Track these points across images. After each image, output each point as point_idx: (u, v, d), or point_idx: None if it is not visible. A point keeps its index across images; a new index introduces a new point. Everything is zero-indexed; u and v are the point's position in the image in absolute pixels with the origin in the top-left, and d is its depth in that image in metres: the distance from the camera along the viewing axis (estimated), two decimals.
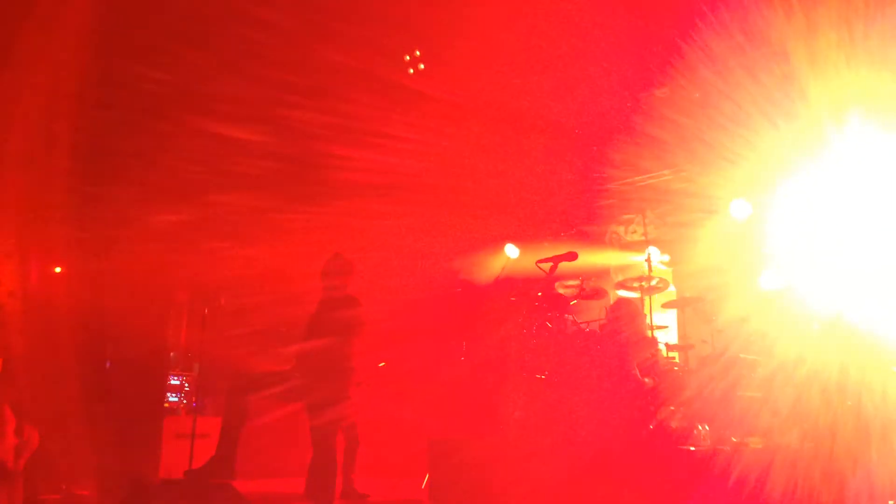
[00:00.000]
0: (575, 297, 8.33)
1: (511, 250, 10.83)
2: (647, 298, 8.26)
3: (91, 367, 9.18)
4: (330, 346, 5.97)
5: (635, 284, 8.36)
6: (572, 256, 4.68)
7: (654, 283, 8.21)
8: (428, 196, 10.42)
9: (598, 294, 8.44)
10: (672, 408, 7.67)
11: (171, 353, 10.15)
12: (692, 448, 6.75)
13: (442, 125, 9.51)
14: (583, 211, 11.02)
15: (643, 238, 10.26)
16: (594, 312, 8.43)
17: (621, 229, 10.65)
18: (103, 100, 8.48)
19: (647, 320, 7.96)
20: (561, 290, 8.39)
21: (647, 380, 5.92)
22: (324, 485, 6.02)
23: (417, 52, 8.74)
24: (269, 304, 10.20)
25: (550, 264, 4.68)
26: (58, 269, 9.01)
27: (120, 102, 8.66)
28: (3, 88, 8.00)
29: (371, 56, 8.50)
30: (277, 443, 9.83)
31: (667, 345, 8.09)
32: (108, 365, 9.44)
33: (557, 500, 6.48)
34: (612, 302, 8.57)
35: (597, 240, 10.46)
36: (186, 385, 9.74)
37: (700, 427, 7.16)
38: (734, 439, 6.97)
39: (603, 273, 10.05)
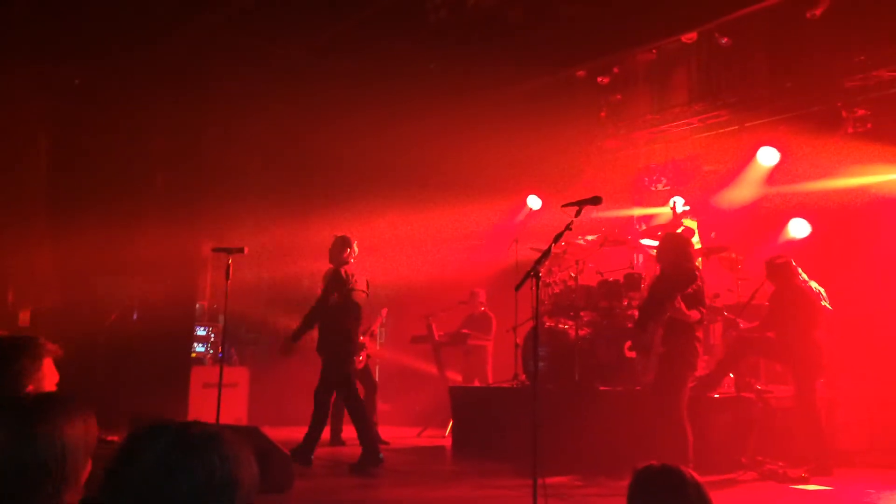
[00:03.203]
0: (598, 247, 8.28)
1: (533, 201, 10.79)
2: None
3: (119, 318, 9.33)
4: None
5: (659, 234, 8.26)
6: (597, 200, 4.62)
7: (678, 231, 8.11)
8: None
9: (620, 243, 8.37)
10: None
11: (197, 304, 10.27)
12: (716, 395, 6.75)
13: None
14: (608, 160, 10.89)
15: (668, 188, 10.14)
16: (617, 261, 8.39)
17: (646, 179, 10.52)
18: None
19: None
20: (583, 241, 8.35)
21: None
22: None
23: None
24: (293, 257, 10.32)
25: (576, 208, 4.63)
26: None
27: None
28: None
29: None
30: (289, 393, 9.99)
31: None
32: (135, 316, 9.59)
33: (578, 447, 6.53)
34: (635, 252, 8.51)
35: (622, 189, 10.35)
36: (212, 335, 9.87)
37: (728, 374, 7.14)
38: (759, 387, 6.96)
39: (626, 222, 9.98)
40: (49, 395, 1.83)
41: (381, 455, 6.66)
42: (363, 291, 7.00)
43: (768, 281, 6.83)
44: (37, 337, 2.42)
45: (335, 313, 6.91)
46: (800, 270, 6.68)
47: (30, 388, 2.24)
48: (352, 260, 7.02)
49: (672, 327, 5.76)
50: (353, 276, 6.92)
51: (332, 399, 7.17)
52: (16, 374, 2.26)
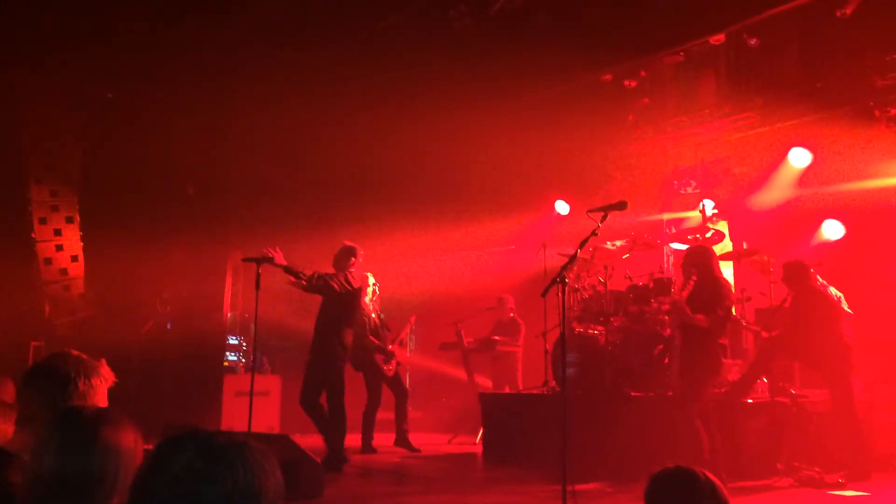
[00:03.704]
0: (627, 251, 8.23)
1: (561, 206, 10.74)
2: None
3: (153, 329, 9.47)
4: None
5: (689, 237, 8.19)
6: (622, 206, 4.61)
7: (708, 235, 8.04)
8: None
9: (649, 247, 8.31)
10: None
11: (229, 314, 10.39)
12: (750, 400, 6.67)
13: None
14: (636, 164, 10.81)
15: (697, 191, 10.04)
16: (646, 265, 8.32)
17: (675, 182, 10.42)
18: None
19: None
20: (612, 246, 8.30)
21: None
22: None
23: None
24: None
25: (602, 214, 4.62)
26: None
27: None
28: None
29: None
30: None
31: None
32: (168, 326, 9.72)
33: (608, 453, 6.48)
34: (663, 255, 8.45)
35: (650, 193, 10.27)
36: (244, 344, 9.98)
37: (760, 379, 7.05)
38: (793, 391, 6.86)
39: (656, 226, 9.91)
40: (107, 409, 1.91)
41: (347, 459, 7.03)
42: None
43: (785, 285, 6.77)
44: (100, 361, 2.48)
45: (330, 316, 7.17)
46: (817, 276, 6.62)
47: None
48: (353, 269, 7.30)
49: (689, 333, 5.76)
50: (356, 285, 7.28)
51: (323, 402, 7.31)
52: (86, 391, 2.31)
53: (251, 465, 1.38)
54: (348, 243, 7.38)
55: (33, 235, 8.91)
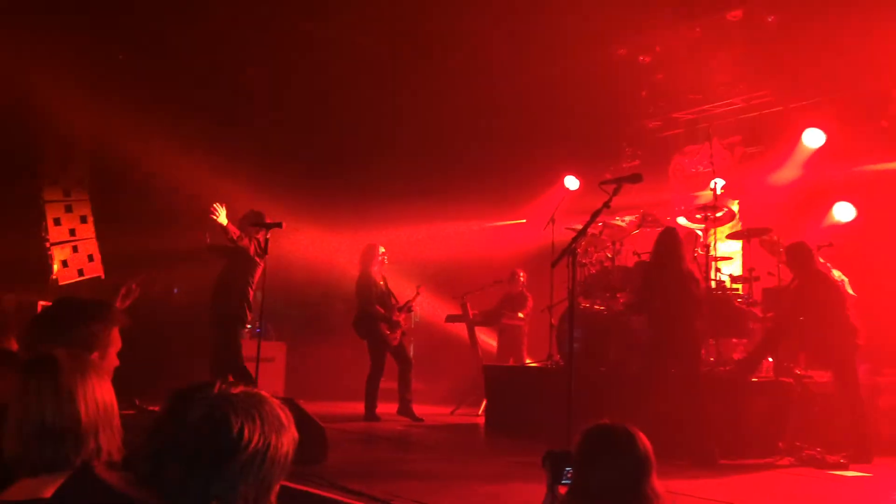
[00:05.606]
0: (636, 228, 8.19)
1: (571, 182, 10.67)
2: (712, 230, 8.06)
3: (160, 293, 9.49)
4: None
5: (699, 216, 8.13)
6: (637, 178, 4.56)
7: (719, 213, 7.97)
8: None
9: (659, 224, 8.26)
10: (735, 340, 7.58)
11: None
12: (754, 379, 6.66)
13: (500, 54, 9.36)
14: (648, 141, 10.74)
15: (709, 169, 9.96)
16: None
17: (687, 160, 10.35)
18: None
19: (712, 251, 7.80)
20: (621, 221, 8.26)
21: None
22: None
23: None
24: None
25: (614, 186, 4.57)
26: None
27: None
28: None
29: None
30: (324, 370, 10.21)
31: (731, 276, 7.92)
32: (175, 291, 9.75)
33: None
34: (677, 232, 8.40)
35: (661, 170, 10.20)
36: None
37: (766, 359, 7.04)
38: (798, 371, 6.85)
39: (666, 203, 9.86)
40: (80, 354, 1.88)
41: None
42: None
43: (788, 267, 6.75)
44: (111, 303, 2.46)
45: (237, 278, 7.25)
46: (819, 258, 6.61)
47: (95, 354, 2.27)
48: (258, 236, 7.26)
49: None
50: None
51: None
52: (88, 336, 2.29)
53: (269, 416, 1.38)
54: (255, 210, 7.43)
55: (43, 197, 8.92)
